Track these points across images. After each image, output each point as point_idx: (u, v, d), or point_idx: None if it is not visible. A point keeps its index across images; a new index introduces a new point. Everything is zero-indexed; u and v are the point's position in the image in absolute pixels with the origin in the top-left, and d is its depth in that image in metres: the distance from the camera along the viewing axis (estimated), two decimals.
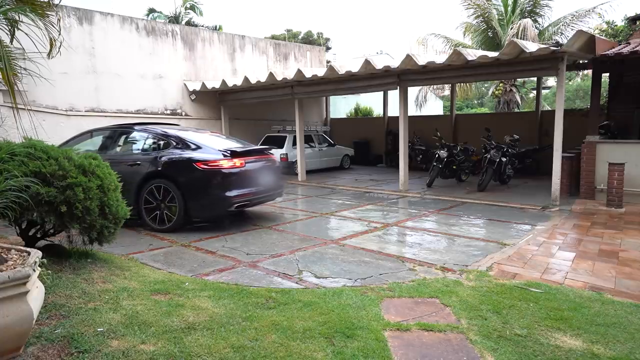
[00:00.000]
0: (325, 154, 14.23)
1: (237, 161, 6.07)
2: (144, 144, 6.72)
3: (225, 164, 5.94)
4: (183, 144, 6.27)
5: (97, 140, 7.07)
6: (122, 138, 7.02)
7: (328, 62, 17.31)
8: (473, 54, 8.17)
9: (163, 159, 6.15)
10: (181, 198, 5.88)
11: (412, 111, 17.78)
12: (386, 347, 2.74)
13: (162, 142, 6.48)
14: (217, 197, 5.92)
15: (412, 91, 20.04)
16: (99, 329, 2.74)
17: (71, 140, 7.18)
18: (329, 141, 14.81)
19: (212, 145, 6.27)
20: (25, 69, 3.77)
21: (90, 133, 7.25)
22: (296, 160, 12.35)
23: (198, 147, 6.18)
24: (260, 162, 6.56)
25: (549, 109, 16.54)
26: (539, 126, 12.85)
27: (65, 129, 10.57)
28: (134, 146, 6.87)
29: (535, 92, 15.51)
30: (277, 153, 11.80)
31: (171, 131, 6.64)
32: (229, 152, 6.09)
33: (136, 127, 6.98)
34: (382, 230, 6.19)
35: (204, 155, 6.00)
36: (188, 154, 6.10)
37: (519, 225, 6.42)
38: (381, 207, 8.10)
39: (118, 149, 6.90)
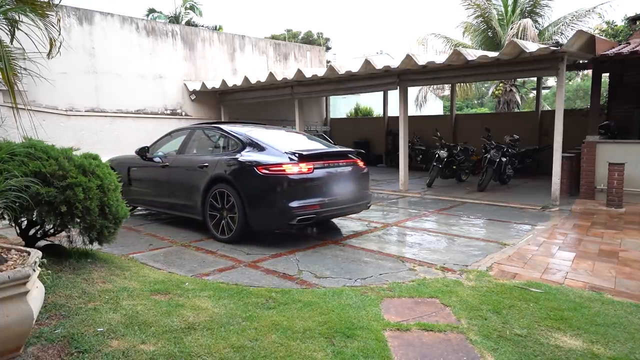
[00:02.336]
0: None
1: (304, 166, 5.17)
2: (214, 144, 6.24)
3: (289, 168, 5.10)
4: (248, 144, 5.61)
5: (177, 141, 6.77)
6: (196, 138, 6.60)
7: (328, 62, 17.31)
8: (473, 54, 8.17)
9: (224, 161, 5.56)
10: (241, 206, 5.24)
11: (412, 111, 17.79)
12: (386, 347, 2.75)
13: (229, 143, 5.89)
14: (278, 208, 5.10)
15: (412, 91, 20.04)
16: (99, 329, 2.74)
17: (158, 141, 7.06)
18: (329, 141, 14.81)
19: (279, 146, 5.49)
20: (25, 69, 3.77)
21: (170, 134, 7.00)
22: None
23: (262, 149, 5.47)
24: (338, 167, 5.59)
25: (549, 109, 16.55)
26: (539, 126, 12.85)
27: (65, 129, 10.58)
28: (205, 147, 6.45)
29: (535, 92, 15.51)
30: None
31: (238, 129, 6.03)
32: (296, 155, 5.22)
33: (209, 127, 6.57)
34: (382, 230, 6.19)
35: (266, 158, 5.25)
36: (249, 156, 5.41)
37: (519, 225, 6.42)
38: (381, 207, 8.10)
39: (192, 150, 6.50)
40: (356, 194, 5.74)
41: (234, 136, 5.86)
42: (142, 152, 6.76)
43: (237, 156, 5.49)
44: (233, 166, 5.43)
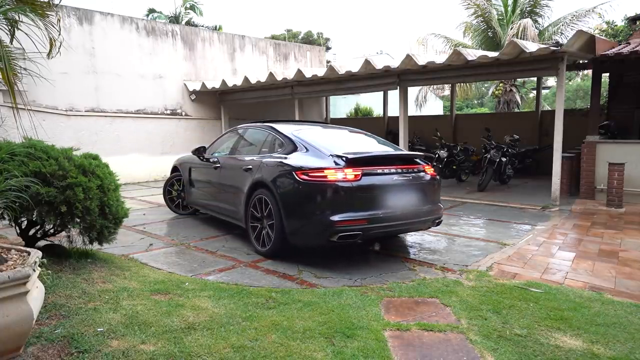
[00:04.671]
0: None
1: (350, 172, 4.34)
2: (261, 145, 5.60)
3: (332, 174, 4.31)
4: (293, 145, 4.95)
5: (232, 140, 6.35)
6: (248, 138, 6.08)
7: (328, 62, 17.31)
8: (473, 54, 8.17)
9: (265, 164, 4.97)
10: (279, 216, 4.60)
11: (412, 111, 17.79)
12: (386, 347, 2.75)
13: (275, 143, 5.29)
14: (316, 221, 4.36)
15: (412, 91, 20.04)
16: (99, 329, 2.74)
17: (216, 140, 6.73)
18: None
19: (326, 148, 4.74)
20: (25, 69, 3.77)
21: (235, 131, 6.50)
22: None
23: (306, 151, 4.79)
24: (396, 174, 4.67)
25: (549, 109, 16.55)
26: (539, 126, 12.85)
27: (65, 129, 10.59)
28: (253, 147, 5.83)
29: (535, 92, 15.51)
30: None
31: (285, 128, 5.41)
32: (343, 158, 4.42)
33: (260, 125, 5.93)
34: None
35: (307, 162, 4.55)
36: (290, 158, 4.74)
37: (519, 225, 6.42)
38: None
39: (243, 150, 5.99)
40: (420, 207, 4.80)
41: (279, 136, 5.27)
42: (198, 152, 6.41)
43: (277, 159, 4.90)
44: (272, 170, 4.84)
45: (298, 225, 4.56)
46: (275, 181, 4.73)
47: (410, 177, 4.78)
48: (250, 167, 5.21)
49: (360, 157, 4.54)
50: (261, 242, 4.94)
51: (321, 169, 4.37)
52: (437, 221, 5.04)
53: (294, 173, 4.50)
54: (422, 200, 4.82)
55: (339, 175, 4.32)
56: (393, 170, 4.67)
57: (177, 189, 7.34)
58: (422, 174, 4.90)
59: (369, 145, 5.52)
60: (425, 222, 4.93)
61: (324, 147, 4.77)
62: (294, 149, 4.91)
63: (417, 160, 5.07)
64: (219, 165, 5.99)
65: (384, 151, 5.25)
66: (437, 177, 5.06)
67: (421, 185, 4.84)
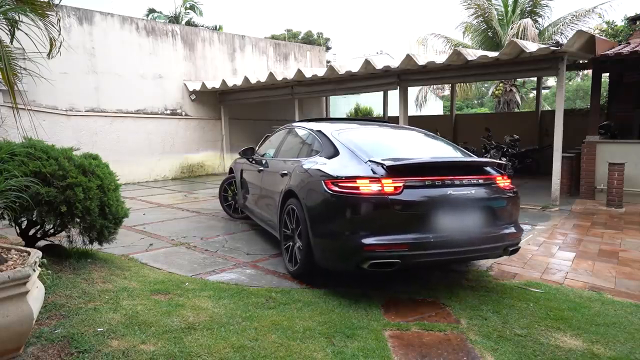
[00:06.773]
0: None
1: (389, 183, 3.45)
2: (301, 147, 4.95)
3: (364, 186, 3.46)
4: (332, 147, 4.17)
5: (279, 140, 5.67)
6: (291, 138, 5.38)
7: (328, 62, 17.32)
8: (473, 54, 8.17)
9: (297, 170, 4.30)
10: (306, 232, 3.86)
11: (412, 111, 17.80)
12: (386, 347, 2.75)
13: (314, 145, 4.57)
14: (344, 242, 3.55)
15: (412, 91, 20.04)
16: (99, 329, 2.74)
17: (269, 137, 6.14)
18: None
19: (364, 151, 3.88)
20: (25, 69, 3.77)
21: (283, 130, 5.81)
22: None
23: (343, 154, 4.02)
24: (454, 187, 3.59)
25: (549, 109, 16.55)
26: (539, 126, 12.86)
27: (65, 129, 10.59)
28: (294, 149, 5.11)
29: (535, 92, 15.52)
30: None
31: (327, 127, 4.66)
32: (384, 166, 3.53)
33: (303, 125, 5.25)
34: None
35: (339, 169, 3.76)
36: (322, 164, 4.00)
37: None
38: None
39: (285, 152, 5.29)
40: (488, 230, 3.71)
41: (318, 136, 4.55)
42: (245, 153, 5.98)
43: (309, 164, 4.20)
44: (302, 177, 4.16)
45: (324, 245, 3.78)
46: (303, 191, 4.04)
47: (474, 191, 3.68)
48: (286, 172, 4.55)
49: (404, 165, 3.61)
50: (289, 260, 4.28)
51: (353, 179, 3.55)
52: (511, 248, 3.84)
53: (322, 182, 3.72)
54: (491, 221, 3.75)
55: (374, 187, 3.46)
56: (449, 182, 3.60)
57: (232, 191, 7.10)
58: (492, 186, 3.81)
59: (426, 148, 4.58)
60: (492, 250, 3.81)
61: (363, 151, 3.90)
62: (334, 152, 4.12)
63: (487, 169, 3.96)
64: (261, 168, 5.48)
65: (440, 157, 4.27)
66: (515, 190, 3.93)
67: (490, 202, 3.76)
